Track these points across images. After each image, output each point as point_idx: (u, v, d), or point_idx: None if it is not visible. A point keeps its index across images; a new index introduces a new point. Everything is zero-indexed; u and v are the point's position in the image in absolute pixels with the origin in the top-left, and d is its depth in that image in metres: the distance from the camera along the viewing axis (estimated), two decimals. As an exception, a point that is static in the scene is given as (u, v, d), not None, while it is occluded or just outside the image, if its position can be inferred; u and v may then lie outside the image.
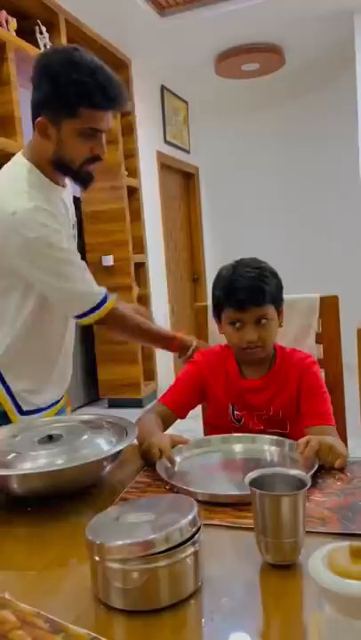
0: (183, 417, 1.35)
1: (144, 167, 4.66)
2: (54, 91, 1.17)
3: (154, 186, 4.90)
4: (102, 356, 4.50)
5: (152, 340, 1.49)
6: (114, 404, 4.51)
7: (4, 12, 3.05)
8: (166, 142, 5.18)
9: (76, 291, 1.27)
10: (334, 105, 5.21)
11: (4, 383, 1.28)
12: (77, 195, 4.45)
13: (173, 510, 0.73)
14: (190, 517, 0.70)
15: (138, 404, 4.39)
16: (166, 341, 1.47)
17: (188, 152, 5.73)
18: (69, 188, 1.41)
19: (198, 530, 0.71)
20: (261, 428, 1.30)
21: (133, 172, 4.49)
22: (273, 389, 1.31)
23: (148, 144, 4.80)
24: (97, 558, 0.68)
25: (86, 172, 1.28)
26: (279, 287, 1.34)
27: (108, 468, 1.04)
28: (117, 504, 0.79)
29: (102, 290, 1.31)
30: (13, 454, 1.00)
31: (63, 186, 1.35)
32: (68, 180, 1.37)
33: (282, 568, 0.73)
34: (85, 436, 1.05)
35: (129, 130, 4.46)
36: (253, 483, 0.75)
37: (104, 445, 1.04)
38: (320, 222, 5.56)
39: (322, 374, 1.49)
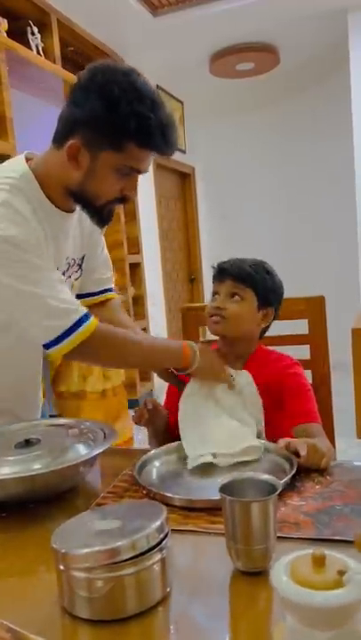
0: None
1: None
2: (107, 116, 1.00)
3: (149, 186, 4.89)
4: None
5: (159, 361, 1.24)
6: (110, 405, 4.49)
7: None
8: (161, 142, 5.17)
9: (46, 302, 1.04)
10: (329, 103, 5.20)
11: None
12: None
13: (142, 517, 0.71)
14: (158, 524, 0.69)
15: (134, 404, 4.37)
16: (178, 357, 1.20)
17: (183, 152, 5.71)
18: (81, 215, 1.21)
19: (166, 536, 0.69)
20: None
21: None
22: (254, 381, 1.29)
23: (143, 144, 4.78)
24: (61, 567, 0.67)
25: (108, 211, 1.13)
26: (270, 286, 1.31)
27: (86, 473, 1.03)
28: (90, 510, 0.78)
29: (83, 309, 1.09)
30: (-11, 459, 0.99)
31: (67, 211, 1.17)
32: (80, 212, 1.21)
33: (253, 575, 0.72)
34: (63, 441, 1.04)
35: (123, 130, 4.45)
36: (224, 488, 0.74)
37: (82, 450, 1.03)
38: (317, 220, 5.55)
39: (309, 375, 1.49)
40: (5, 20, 3.09)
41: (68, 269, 1.23)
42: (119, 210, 4.29)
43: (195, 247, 6.04)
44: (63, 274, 1.20)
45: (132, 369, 3.78)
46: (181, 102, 5.61)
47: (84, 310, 1.08)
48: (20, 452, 1.00)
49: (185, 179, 5.96)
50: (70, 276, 1.26)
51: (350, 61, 4.13)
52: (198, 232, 6.11)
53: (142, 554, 0.66)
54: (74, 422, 1.17)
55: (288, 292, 1.42)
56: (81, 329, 1.05)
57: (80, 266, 1.30)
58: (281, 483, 0.76)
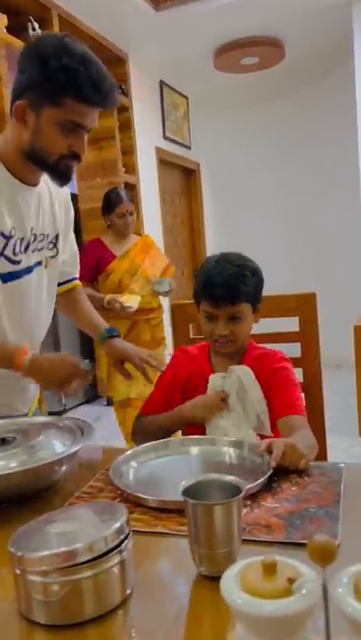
0: None
1: (142, 164, 4.63)
2: (41, 74, 1.07)
3: (153, 182, 4.86)
4: (101, 354, 4.47)
5: None
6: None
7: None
8: (165, 138, 5.14)
9: None
10: (333, 98, 5.15)
11: None
12: (74, 192, 4.44)
13: (102, 518, 0.70)
14: (117, 525, 0.67)
15: (136, 401, 4.36)
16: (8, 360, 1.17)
17: (188, 148, 5.68)
18: (52, 195, 1.32)
19: (126, 538, 0.68)
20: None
21: (131, 168, 4.45)
22: None
23: (147, 140, 4.76)
24: (17, 570, 0.65)
25: (65, 167, 1.18)
26: (258, 286, 1.33)
27: (62, 471, 1.02)
28: (52, 512, 0.77)
29: None
30: None
31: (34, 185, 1.25)
32: (49, 187, 1.29)
33: (216, 580, 0.69)
34: (40, 439, 1.03)
35: (126, 126, 4.43)
36: (188, 491, 0.72)
37: (59, 448, 1.02)
38: (321, 216, 5.50)
39: (299, 372, 1.48)
40: (5, 16, 3.08)
41: (34, 241, 1.26)
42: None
43: (199, 243, 6.01)
44: (28, 245, 1.25)
45: None
46: (186, 97, 5.58)
47: None
48: (-5, 451, 0.99)
49: (190, 174, 5.92)
50: (42, 249, 1.30)
51: (355, 55, 4.07)
52: (203, 228, 6.08)
53: (100, 556, 0.65)
54: (52, 420, 1.15)
55: (289, 287, 1.42)
56: None
57: (55, 245, 1.35)
58: (253, 485, 0.74)
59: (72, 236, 1.48)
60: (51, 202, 1.32)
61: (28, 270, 1.26)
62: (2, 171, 1.18)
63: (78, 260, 1.57)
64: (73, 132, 1.13)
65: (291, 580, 0.51)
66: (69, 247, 1.47)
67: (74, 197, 4.65)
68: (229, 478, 0.74)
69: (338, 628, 0.48)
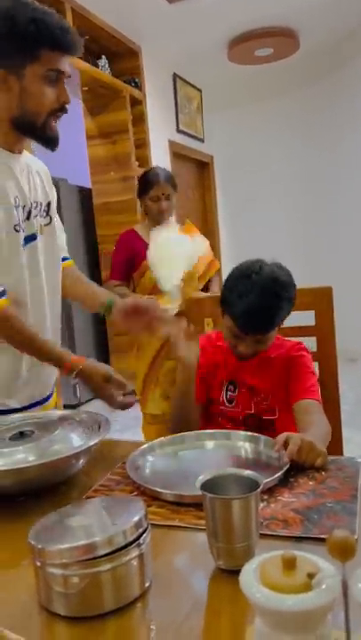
0: (203, 402, 1.39)
1: (156, 157, 4.61)
2: (11, 33, 1.07)
3: (166, 175, 4.85)
4: (116, 346, 4.49)
5: (41, 357, 1.22)
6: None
7: None
8: (179, 131, 5.12)
9: None
10: (350, 87, 5.07)
11: None
12: (88, 186, 4.45)
13: (121, 512, 0.71)
14: (136, 519, 0.68)
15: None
16: (58, 362, 1.22)
17: (202, 141, 5.65)
18: (32, 165, 1.30)
19: (145, 532, 0.68)
20: (251, 412, 1.33)
21: (145, 162, 4.44)
22: (263, 371, 1.34)
23: (160, 133, 4.75)
24: (38, 563, 0.66)
25: (52, 129, 1.18)
26: (289, 307, 1.29)
27: (79, 465, 1.03)
28: (71, 505, 0.78)
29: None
30: (-18, 451, 0.99)
31: (19, 152, 1.25)
32: (31, 160, 1.29)
33: (234, 573, 0.70)
34: (57, 432, 1.04)
35: (140, 119, 4.42)
36: (206, 485, 0.72)
37: (76, 442, 1.03)
38: (336, 208, 5.44)
39: (315, 366, 1.48)
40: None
41: (35, 208, 1.27)
42: (135, 201, 4.27)
43: (213, 236, 5.99)
44: (30, 212, 1.24)
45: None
46: (200, 90, 5.55)
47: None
48: (14, 445, 1.00)
49: (203, 167, 5.90)
50: (36, 216, 1.28)
51: (371, 44, 4.02)
52: (217, 221, 6.06)
53: (119, 549, 0.65)
54: (70, 413, 1.16)
55: (304, 280, 1.41)
56: None
57: (47, 212, 1.33)
58: (270, 479, 0.74)
59: (58, 218, 1.45)
60: (36, 170, 1.31)
61: (33, 237, 1.26)
62: None
63: (65, 240, 1.50)
64: (57, 81, 1.15)
65: (310, 576, 0.51)
66: (60, 229, 1.44)
67: (87, 192, 4.66)
68: (247, 472, 0.74)
69: (358, 623, 0.48)
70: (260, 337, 1.27)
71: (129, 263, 2.51)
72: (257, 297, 1.20)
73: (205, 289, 2.59)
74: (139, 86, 4.39)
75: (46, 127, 1.17)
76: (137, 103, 4.38)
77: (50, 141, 1.20)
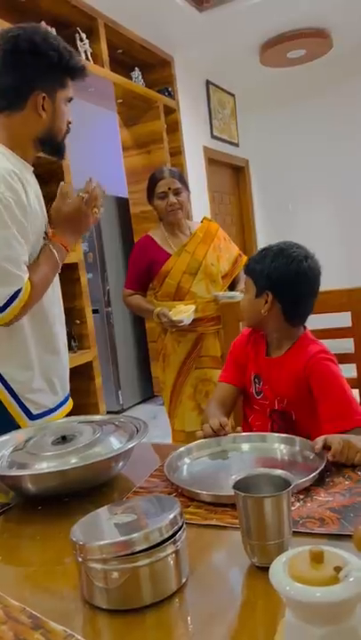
0: (237, 385, 1.44)
1: (191, 164, 4.66)
2: (59, 63, 1.24)
3: (202, 182, 4.89)
4: (155, 352, 4.54)
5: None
6: (169, 400, 4.55)
7: (43, 23, 3.14)
8: (213, 137, 5.16)
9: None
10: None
11: (5, 383, 1.27)
12: (125, 196, 4.53)
13: (157, 511, 0.74)
14: (171, 517, 0.70)
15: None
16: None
17: (236, 145, 5.67)
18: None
19: (180, 529, 0.71)
20: (275, 407, 1.35)
21: (180, 169, 4.49)
22: (287, 368, 1.33)
23: (195, 140, 4.80)
24: (80, 559, 0.70)
25: (63, 141, 1.37)
26: (265, 270, 1.32)
27: (119, 467, 1.06)
28: (110, 504, 0.81)
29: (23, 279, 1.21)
30: (28, 455, 1.04)
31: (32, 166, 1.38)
32: None
33: (267, 570, 0.72)
34: (98, 436, 1.07)
35: (174, 128, 4.48)
36: (239, 484, 0.74)
37: (115, 445, 1.06)
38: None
39: (352, 368, 1.47)
40: (54, 29, 3.19)
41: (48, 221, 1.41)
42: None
43: (250, 241, 5.99)
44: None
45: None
46: (233, 95, 5.58)
47: (25, 277, 1.22)
48: (57, 448, 1.05)
49: (239, 172, 5.91)
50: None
51: None
52: (254, 225, 6.05)
53: (156, 546, 0.68)
54: (110, 418, 1.20)
55: (342, 282, 1.42)
56: (21, 295, 1.20)
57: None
58: (306, 479, 0.75)
59: None
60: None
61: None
62: (19, 160, 1.28)
63: None
64: (67, 106, 1.34)
65: (337, 569, 0.52)
66: None
67: (125, 202, 4.75)
68: (279, 472, 0.76)
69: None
70: (246, 283, 1.37)
71: (144, 271, 2.38)
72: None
73: (232, 286, 2.45)
74: (172, 95, 4.46)
75: (62, 142, 1.36)
76: (171, 112, 4.45)
77: (62, 151, 1.38)
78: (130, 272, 2.47)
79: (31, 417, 1.29)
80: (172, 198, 2.33)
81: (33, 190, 1.29)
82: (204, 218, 2.57)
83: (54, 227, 1.36)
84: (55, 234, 1.35)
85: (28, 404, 1.28)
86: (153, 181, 2.39)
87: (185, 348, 2.35)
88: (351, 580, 0.52)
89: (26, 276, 1.22)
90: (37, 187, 1.35)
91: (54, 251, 1.32)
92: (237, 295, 2.21)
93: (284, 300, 1.31)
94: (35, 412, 1.30)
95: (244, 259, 2.44)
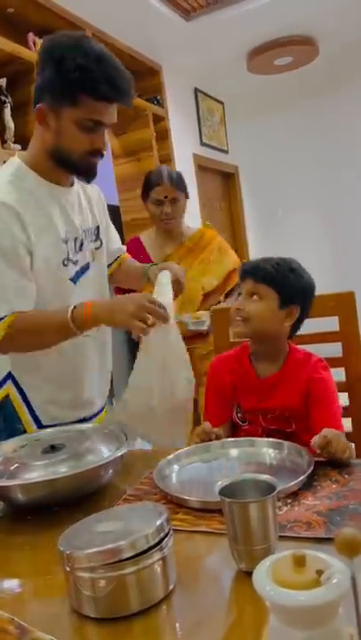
0: (224, 422, 1.36)
1: (181, 171, 4.68)
2: (56, 75, 1.11)
3: (192, 189, 4.88)
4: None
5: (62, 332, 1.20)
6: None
7: (31, 35, 3.16)
8: (203, 144, 5.18)
9: None
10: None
11: (19, 387, 1.27)
12: (116, 204, 4.54)
13: (144, 518, 0.74)
14: (157, 524, 0.71)
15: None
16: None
17: (226, 152, 5.70)
18: (85, 191, 1.38)
19: (167, 535, 0.71)
20: (265, 425, 1.31)
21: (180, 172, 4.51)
22: (284, 387, 1.30)
23: (184, 148, 4.82)
24: (67, 568, 0.70)
25: (87, 164, 1.22)
26: (290, 281, 1.29)
27: (109, 475, 1.06)
28: (97, 513, 0.81)
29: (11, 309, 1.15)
30: (16, 464, 1.04)
31: (71, 185, 1.31)
32: (79, 184, 1.34)
33: (255, 575, 0.73)
34: (86, 445, 1.08)
35: (163, 136, 4.49)
36: (225, 490, 0.75)
37: (105, 453, 1.07)
38: (365, 213, 5.40)
39: (341, 373, 1.48)
40: (41, 40, 3.21)
41: (85, 238, 1.33)
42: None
43: (242, 247, 6.01)
44: (82, 243, 1.31)
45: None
46: (221, 102, 5.61)
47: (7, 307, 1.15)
48: (46, 458, 1.05)
49: (228, 179, 5.94)
50: (89, 244, 1.35)
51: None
52: (245, 232, 6.08)
53: (142, 553, 0.68)
54: (98, 427, 1.21)
55: (334, 288, 1.42)
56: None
57: (97, 236, 1.40)
58: (293, 483, 0.76)
59: (111, 224, 1.55)
60: (86, 197, 1.38)
61: (87, 267, 1.32)
62: (37, 179, 1.23)
63: (118, 240, 1.62)
64: (92, 129, 1.17)
65: (319, 572, 0.53)
66: (113, 234, 1.54)
67: (115, 210, 4.75)
68: (264, 477, 0.76)
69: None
70: (253, 287, 1.29)
71: None
72: (263, 258, 1.34)
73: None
74: (161, 103, 4.48)
75: (82, 162, 1.21)
76: (160, 120, 4.46)
77: (85, 175, 1.25)
78: None
79: (40, 426, 1.30)
80: (168, 208, 2.24)
81: (44, 213, 1.21)
82: (204, 224, 2.46)
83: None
84: (92, 302, 1.18)
85: (40, 414, 1.28)
86: (150, 184, 2.28)
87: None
88: (334, 582, 0.52)
89: (10, 307, 1.15)
90: (67, 208, 1.26)
91: (70, 308, 1.16)
92: (204, 323, 2.10)
93: (303, 315, 1.32)
94: (45, 422, 1.30)
95: (236, 279, 2.31)
